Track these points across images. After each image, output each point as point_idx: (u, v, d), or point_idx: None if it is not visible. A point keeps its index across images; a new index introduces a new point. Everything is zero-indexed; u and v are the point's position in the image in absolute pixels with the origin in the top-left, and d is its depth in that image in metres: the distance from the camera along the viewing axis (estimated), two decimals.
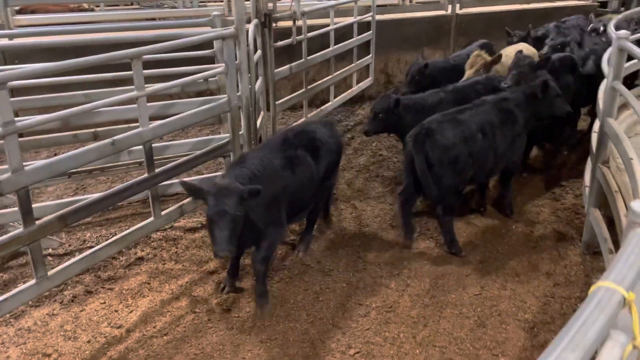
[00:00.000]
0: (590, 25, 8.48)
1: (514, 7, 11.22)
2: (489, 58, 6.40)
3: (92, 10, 11.51)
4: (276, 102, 6.54)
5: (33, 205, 3.51)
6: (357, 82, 8.84)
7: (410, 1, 11.14)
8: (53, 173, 3.59)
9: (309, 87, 7.18)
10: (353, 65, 8.50)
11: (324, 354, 3.85)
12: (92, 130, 5.23)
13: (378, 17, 9.11)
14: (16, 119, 3.43)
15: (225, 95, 4.94)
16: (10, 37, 6.82)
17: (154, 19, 10.30)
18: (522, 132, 5.26)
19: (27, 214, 3.42)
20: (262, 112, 6.06)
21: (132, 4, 12.80)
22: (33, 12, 11.14)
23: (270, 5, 6.26)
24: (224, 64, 4.82)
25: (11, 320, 4.09)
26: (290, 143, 4.42)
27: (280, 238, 4.53)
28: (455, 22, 10.23)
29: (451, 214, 5.06)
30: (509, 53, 6.60)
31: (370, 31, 8.88)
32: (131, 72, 5.03)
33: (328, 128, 4.89)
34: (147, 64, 5.47)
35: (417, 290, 4.56)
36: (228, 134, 5.13)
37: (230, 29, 4.81)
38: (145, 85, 4.40)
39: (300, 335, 4.05)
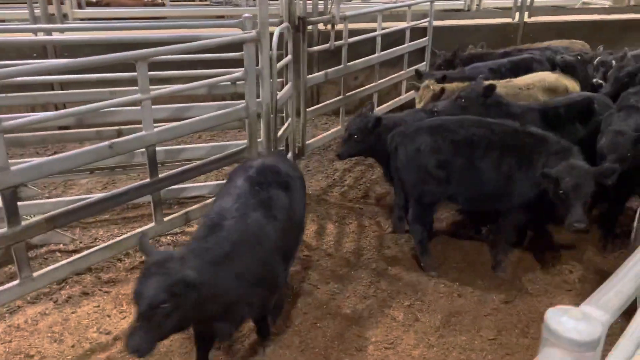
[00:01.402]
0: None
1: (592, 17, 10.31)
2: (437, 88, 5.86)
3: (163, 4, 11.81)
4: (308, 109, 6.28)
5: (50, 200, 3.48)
6: (407, 91, 8.41)
7: (478, 7, 10.55)
8: (43, 174, 3.54)
9: (347, 94, 6.86)
10: (403, 72, 8.08)
11: None
12: (116, 127, 5.25)
13: (436, 23, 8.63)
14: (9, 115, 3.40)
15: (243, 101, 4.76)
16: (62, 30, 7.05)
17: (222, 17, 10.40)
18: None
19: (11, 215, 3.38)
20: (289, 119, 5.83)
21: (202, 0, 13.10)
22: (107, 4, 11.61)
23: (309, 6, 6.01)
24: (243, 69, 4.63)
25: (6, 315, 4.11)
26: (259, 183, 3.55)
27: (280, 299, 3.96)
28: (522, 32, 9.53)
29: (420, 224, 4.76)
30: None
31: (426, 37, 8.42)
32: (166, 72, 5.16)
33: (282, 158, 4.23)
34: (173, 64, 5.49)
35: (425, 326, 4.16)
36: (246, 141, 4.94)
37: (252, 33, 4.61)
38: (159, 87, 4.33)
39: None
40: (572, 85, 6.07)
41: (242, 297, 3.14)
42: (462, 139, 4.48)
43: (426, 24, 8.34)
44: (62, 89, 6.37)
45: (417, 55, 8.38)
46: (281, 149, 5.64)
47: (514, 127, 4.56)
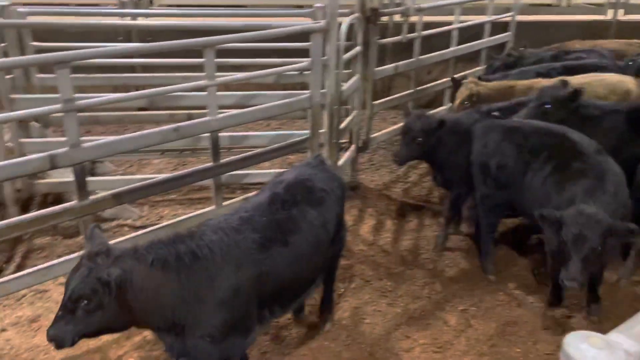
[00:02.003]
0: None
1: None
2: (475, 89, 5.47)
3: None
4: (375, 102, 6.20)
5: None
6: None
7: (569, 4, 9.96)
8: (111, 152, 3.75)
9: (417, 88, 6.70)
10: (480, 68, 7.77)
11: None
12: (187, 112, 5.45)
13: (520, 17, 8.22)
14: (83, 95, 3.60)
15: (307, 92, 4.76)
16: (146, 16, 7.40)
17: (301, 6, 10.49)
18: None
19: (81, 189, 3.59)
20: (354, 112, 5.78)
21: None
22: None
23: None
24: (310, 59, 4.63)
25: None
26: (282, 202, 3.17)
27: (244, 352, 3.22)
28: (615, 30, 8.86)
29: (485, 225, 4.61)
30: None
31: (508, 32, 8.04)
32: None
33: (320, 167, 3.65)
34: (246, 52, 5.60)
35: (478, 333, 4.00)
36: (308, 131, 4.95)
37: (320, 23, 4.60)
38: (228, 74, 4.42)
39: (331, 356, 3.77)
40: (635, 85, 5.38)
41: (195, 322, 2.72)
42: (529, 146, 4.23)
43: (509, 18, 7.96)
44: (143, 72, 6.70)
45: (497, 51, 8.02)
46: (343, 141, 5.61)
47: (587, 150, 3.99)
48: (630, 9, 9.02)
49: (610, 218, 3.37)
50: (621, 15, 8.86)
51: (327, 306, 4.01)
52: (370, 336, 3.96)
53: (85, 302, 2.44)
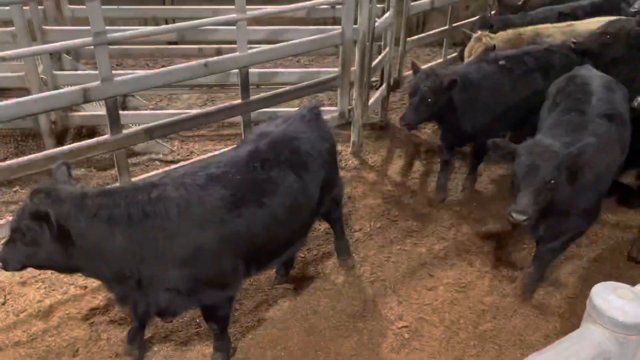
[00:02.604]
0: None
1: None
2: (490, 43, 4.93)
3: None
4: (409, 39, 6.00)
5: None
6: None
7: None
8: (142, 87, 3.77)
9: (453, 25, 6.44)
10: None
11: (371, 319, 3.65)
12: (217, 46, 5.39)
13: None
14: (114, 28, 3.58)
15: (339, 27, 4.64)
16: None
17: None
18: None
19: (114, 123, 3.65)
20: (387, 49, 5.62)
21: None
22: None
23: None
24: None
25: None
26: (262, 160, 3.02)
27: (229, 303, 3.14)
28: None
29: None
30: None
31: None
32: None
33: (313, 123, 3.43)
34: None
35: (501, 275, 4.05)
36: (338, 68, 4.87)
37: None
38: (254, 7, 4.32)
39: (355, 292, 3.88)
40: None
41: (155, 276, 2.72)
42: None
43: None
44: (173, 4, 6.61)
45: None
46: (375, 79, 5.50)
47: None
48: None
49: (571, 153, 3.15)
50: None
51: (342, 252, 4.07)
52: (395, 274, 4.04)
53: (21, 234, 2.54)
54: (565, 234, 3.62)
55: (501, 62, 4.50)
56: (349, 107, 5.16)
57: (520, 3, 6.02)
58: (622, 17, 4.66)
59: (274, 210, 2.97)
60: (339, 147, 5.45)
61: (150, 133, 3.88)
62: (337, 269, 4.07)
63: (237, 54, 4.06)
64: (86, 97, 3.46)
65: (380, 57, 5.49)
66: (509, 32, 5.16)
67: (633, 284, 3.58)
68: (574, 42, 4.58)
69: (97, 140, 3.67)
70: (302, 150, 3.20)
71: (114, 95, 3.56)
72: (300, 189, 3.12)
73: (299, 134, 3.27)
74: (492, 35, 5.11)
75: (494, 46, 4.85)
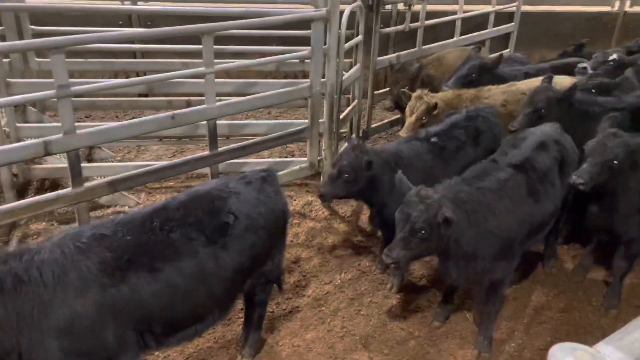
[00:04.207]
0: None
1: None
2: (432, 101, 4.85)
3: None
4: (377, 92, 6.14)
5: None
6: None
7: None
8: (106, 139, 3.73)
9: None
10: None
11: None
12: (186, 98, 5.41)
13: (525, 8, 8.11)
14: (74, 80, 3.55)
15: (308, 80, 4.71)
16: (146, 0, 7.31)
17: None
18: None
19: (75, 175, 3.56)
20: (355, 101, 5.72)
21: None
22: None
23: None
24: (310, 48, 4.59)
25: None
26: (163, 219, 2.76)
27: None
28: (621, 22, 8.75)
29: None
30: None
31: (512, 23, 7.94)
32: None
33: (255, 185, 3.16)
34: (247, 39, 5.54)
35: (474, 327, 3.98)
36: (307, 120, 4.91)
37: (321, 11, 4.54)
38: (223, 61, 4.37)
39: (325, 348, 3.76)
40: None
41: (33, 349, 2.45)
42: None
43: (514, 8, 7.86)
44: (144, 58, 6.64)
45: (501, 41, 7.95)
46: (343, 131, 5.56)
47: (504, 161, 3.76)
48: (637, 0, 8.89)
49: (452, 207, 3.18)
50: (628, 7, 8.72)
51: (246, 344, 3.59)
52: (366, 328, 3.95)
53: None
54: (482, 279, 3.59)
55: (433, 140, 4.34)
56: (319, 157, 5.18)
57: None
58: (543, 86, 4.64)
59: (170, 277, 2.66)
60: (309, 198, 5.47)
61: (114, 186, 3.80)
62: (306, 323, 3.96)
63: (204, 106, 4.06)
64: (47, 150, 3.38)
65: (348, 109, 5.58)
66: (449, 93, 5.19)
67: (603, 333, 3.55)
68: (512, 126, 4.49)
69: (58, 194, 3.57)
70: (224, 211, 2.91)
71: (76, 148, 3.50)
72: (209, 255, 2.79)
73: (229, 194, 3.01)
74: (433, 94, 5.08)
75: (436, 104, 4.85)
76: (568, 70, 5.84)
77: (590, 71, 5.49)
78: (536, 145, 3.84)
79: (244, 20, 4.09)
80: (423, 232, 3.12)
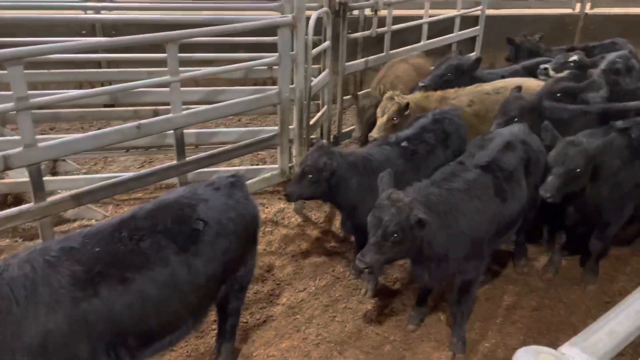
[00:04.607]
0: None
1: None
2: (403, 102, 4.87)
3: None
4: (346, 97, 6.15)
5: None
6: None
7: None
8: (69, 152, 3.62)
9: None
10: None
11: None
12: (153, 108, 5.31)
13: (490, 11, 8.25)
14: (36, 92, 3.46)
15: (276, 87, 4.68)
16: (110, 9, 7.18)
17: None
18: None
19: (37, 190, 3.45)
20: (325, 107, 5.72)
21: None
22: None
23: None
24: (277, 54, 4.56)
25: None
26: (132, 229, 2.70)
27: None
28: (582, 24, 8.98)
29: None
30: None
31: (478, 27, 8.07)
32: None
33: (224, 191, 3.13)
34: (213, 46, 5.48)
35: (447, 331, 3.99)
36: (277, 127, 4.88)
37: (288, 17, 4.52)
38: (190, 69, 4.31)
39: (300, 356, 3.72)
40: None
41: None
42: None
43: (478, 12, 7.99)
44: (109, 67, 6.52)
45: (468, 44, 8.06)
46: (314, 137, 5.54)
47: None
48: (596, 2, 9.14)
49: (423, 209, 3.19)
50: (588, 9, 8.96)
51: (222, 342, 3.52)
52: (341, 334, 3.92)
53: None
54: (454, 280, 3.64)
55: (404, 144, 4.31)
56: (290, 164, 5.15)
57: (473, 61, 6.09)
58: (514, 96, 4.67)
59: (142, 286, 2.60)
60: (282, 205, 5.42)
61: (79, 199, 3.70)
62: (281, 332, 3.91)
63: (171, 115, 3.99)
64: (7, 165, 3.27)
65: (318, 114, 5.57)
66: (418, 94, 5.25)
67: (574, 330, 3.60)
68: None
69: (20, 209, 3.45)
70: (194, 218, 2.86)
71: (37, 161, 3.39)
72: (181, 263, 2.74)
73: (198, 200, 2.95)
74: (404, 95, 5.12)
75: (407, 104, 4.88)
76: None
77: (551, 72, 5.59)
78: (502, 146, 3.88)
79: (209, 28, 4.04)
80: (395, 235, 3.12)
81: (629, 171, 4.08)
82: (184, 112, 4.07)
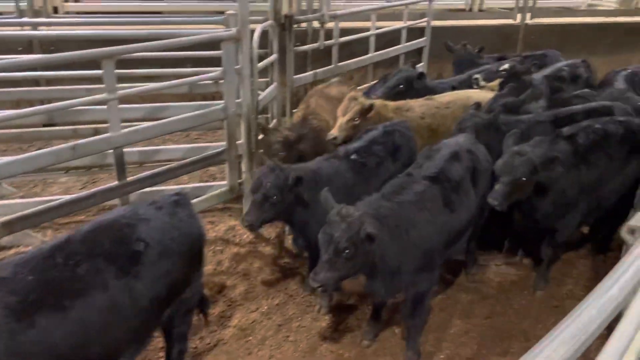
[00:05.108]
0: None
1: (597, 19, 10.03)
2: (366, 103, 4.88)
3: None
4: (295, 110, 6.08)
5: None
6: None
7: (480, 9, 10.33)
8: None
9: None
10: None
11: None
12: (94, 126, 5.10)
13: (435, 23, 8.40)
14: None
15: (222, 102, 4.58)
16: (49, 24, 6.91)
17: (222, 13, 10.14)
18: None
19: None
20: (274, 120, 5.64)
21: None
22: None
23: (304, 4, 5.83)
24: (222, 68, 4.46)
25: None
26: (67, 253, 2.55)
27: None
28: (523, 33, 9.28)
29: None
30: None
31: (424, 38, 8.19)
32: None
33: (166, 210, 3.01)
34: (157, 61, 5.33)
35: (402, 344, 3.95)
36: (224, 143, 4.77)
37: (231, 31, 4.43)
38: (132, 85, 4.16)
39: None
40: None
41: None
42: None
43: (424, 24, 8.12)
44: (47, 85, 6.24)
45: (415, 55, 8.16)
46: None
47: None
48: (536, 12, 9.46)
49: (374, 223, 3.16)
50: (528, 19, 9.27)
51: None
52: (294, 354, 3.82)
53: None
54: (407, 293, 3.63)
55: (353, 157, 4.25)
56: (239, 180, 5.03)
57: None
58: (470, 113, 4.65)
59: (81, 314, 2.46)
60: (232, 223, 5.29)
61: (10, 226, 3.47)
62: (233, 356, 3.78)
63: (109, 134, 3.82)
64: None
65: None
66: (378, 101, 5.23)
67: (525, 336, 3.61)
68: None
69: None
70: (134, 238, 2.74)
71: None
72: (122, 287, 2.61)
73: (138, 220, 2.83)
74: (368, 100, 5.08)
75: (371, 106, 4.85)
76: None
77: (482, 82, 5.71)
78: (449, 156, 3.90)
79: (147, 43, 3.90)
80: (347, 251, 3.06)
81: (574, 177, 4.19)
82: (124, 130, 3.90)
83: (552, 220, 4.24)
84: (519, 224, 4.43)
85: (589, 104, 5.16)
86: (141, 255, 2.73)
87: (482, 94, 5.44)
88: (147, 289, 2.73)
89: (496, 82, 5.78)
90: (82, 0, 9.76)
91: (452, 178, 3.77)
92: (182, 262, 2.96)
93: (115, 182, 3.99)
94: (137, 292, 2.69)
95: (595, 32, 9.47)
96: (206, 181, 6.14)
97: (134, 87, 4.25)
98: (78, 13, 9.00)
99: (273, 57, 5.33)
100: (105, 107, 4.45)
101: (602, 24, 9.80)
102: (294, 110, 6.03)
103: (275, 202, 3.79)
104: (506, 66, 5.77)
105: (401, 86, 5.77)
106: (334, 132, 4.86)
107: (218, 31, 4.47)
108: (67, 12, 8.65)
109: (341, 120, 4.89)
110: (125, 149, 4.34)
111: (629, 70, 6.20)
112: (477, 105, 4.82)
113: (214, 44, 4.61)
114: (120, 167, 3.94)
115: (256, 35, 4.65)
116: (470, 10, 10.04)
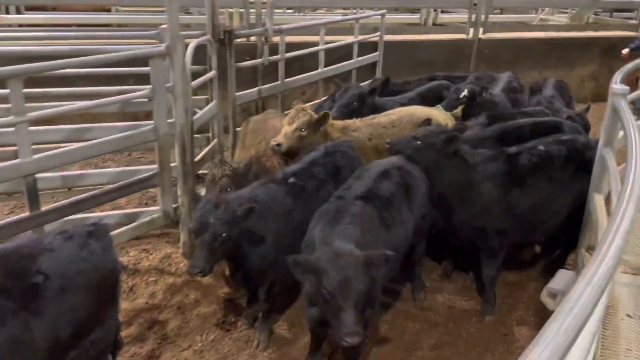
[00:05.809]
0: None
1: (548, 35, 10.15)
2: (314, 115, 4.76)
3: (109, 10, 11.18)
4: (239, 128, 5.81)
5: None
6: None
7: (434, 23, 10.33)
8: None
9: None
10: None
11: None
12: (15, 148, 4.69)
13: (388, 37, 8.28)
14: None
15: (151, 122, 4.26)
16: None
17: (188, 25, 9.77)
18: None
19: None
20: (215, 140, 5.35)
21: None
22: (54, 9, 11.04)
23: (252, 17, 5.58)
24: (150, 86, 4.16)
25: None
26: None
27: None
28: (476, 48, 9.27)
29: None
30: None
31: (377, 52, 8.05)
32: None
33: (76, 241, 2.79)
34: (84, 79, 4.98)
35: None
36: (156, 166, 4.44)
37: (161, 47, 4.13)
38: (38, 105, 3.82)
39: None
40: (446, 120, 5.19)
41: None
42: None
43: (376, 38, 7.99)
44: None
45: (368, 70, 8.01)
46: (204, 172, 5.13)
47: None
48: (489, 27, 9.48)
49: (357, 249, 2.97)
50: (481, 34, 9.27)
51: None
52: None
53: None
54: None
55: (291, 181, 4.00)
56: (175, 205, 4.70)
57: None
58: (433, 126, 4.42)
59: None
60: (169, 250, 4.95)
61: None
62: None
63: (18, 160, 3.46)
64: None
65: (207, 148, 5.19)
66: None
67: None
68: (388, 143, 4.29)
69: None
70: (33, 272, 2.52)
71: None
72: (18, 323, 2.40)
73: (40, 251, 2.62)
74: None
75: (326, 115, 4.74)
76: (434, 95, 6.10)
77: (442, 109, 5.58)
78: (378, 175, 3.77)
79: (60, 61, 3.56)
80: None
81: (500, 197, 4.09)
82: (37, 155, 3.54)
83: (476, 240, 4.23)
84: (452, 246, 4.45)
85: (537, 118, 5.09)
86: (40, 289, 2.51)
87: (428, 110, 5.28)
88: (47, 326, 2.52)
89: (459, 109, 5.66)
90: (25, 12, 9.34)
91: (381, 195, 3.62)
92: (89, 298, 2.74)
93: (27, 213, 3.60)
94: (37, 329, 2.48)
95: (546, 47, 9.55)
96: (146, 204, 5.79)
97: (53, 106, 3.90)
98: (21, 25, 8.56)
99: (212, 73, 5.05)
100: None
101: (553, 39, 9.90)
102: (237, 129, 5.77)
103: (225, 239, 3.44)
104: (465, 92, 5.65)
105: (355, 104, 5.59)
106: (278, 139, 4.64)
107: (146, 47, 4.16)
108: (5, 25, 8.21)
109: (287, 128, 4.67)
110: (45, 174, 4.00)
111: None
112: (429, 121, 4.65)
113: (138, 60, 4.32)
114: (33, 196, 3.56)
115: (189, 51, 4.37)
116: (425, 24, 10.02)
